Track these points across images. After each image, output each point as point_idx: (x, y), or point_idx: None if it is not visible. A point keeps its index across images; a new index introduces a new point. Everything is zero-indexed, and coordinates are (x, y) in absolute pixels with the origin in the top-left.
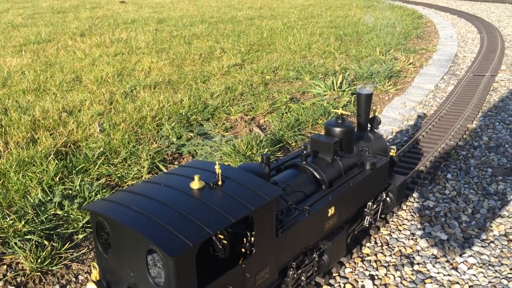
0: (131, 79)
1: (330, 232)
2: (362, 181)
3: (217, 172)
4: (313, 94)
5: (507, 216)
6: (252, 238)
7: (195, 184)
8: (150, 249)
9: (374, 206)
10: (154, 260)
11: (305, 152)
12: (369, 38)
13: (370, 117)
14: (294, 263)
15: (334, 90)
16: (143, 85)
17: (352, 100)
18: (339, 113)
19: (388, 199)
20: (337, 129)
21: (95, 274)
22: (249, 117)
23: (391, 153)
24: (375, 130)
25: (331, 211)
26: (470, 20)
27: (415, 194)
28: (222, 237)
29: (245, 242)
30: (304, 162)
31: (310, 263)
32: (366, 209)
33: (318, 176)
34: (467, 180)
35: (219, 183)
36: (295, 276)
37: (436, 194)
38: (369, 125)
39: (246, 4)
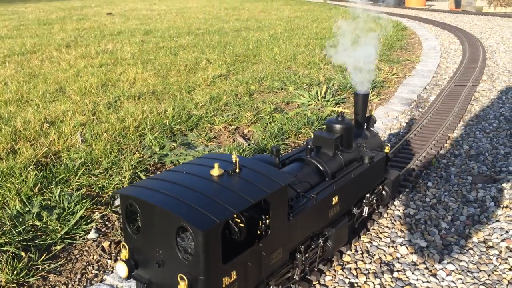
0: (116, 90)
1: (334, 220)
2: (362, 173)
3: (234, 161)
4: (298, 104)
5: (486, 223)
6: (267, 221)
7: (215, 171)
8: (180, 226)
9: (372, 197)
10: (183, 237)
11: (309, 146)
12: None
13: (366, 116)
14: (302, 247)
15: (318, 100)
16: (127, 95)
17: (336, 110)
18: (339, 111)
19: (384, 192)
20: (338, 126)
21: (125, 253)
22: (233, 127)
23: (385, 150)
24: (371, 128)
25: (335, 199)
26: (453, 32)
27: (396, 202)
28: (238, 220)
29: (260, 224)
30: (308, 156)
31: (316, 247)
32: (365, 200)
33: (322, 168)
34: (447, 188)
35: (237, 170)
36: (303, 259)
37: (417, 202)
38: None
39: (233, 16)
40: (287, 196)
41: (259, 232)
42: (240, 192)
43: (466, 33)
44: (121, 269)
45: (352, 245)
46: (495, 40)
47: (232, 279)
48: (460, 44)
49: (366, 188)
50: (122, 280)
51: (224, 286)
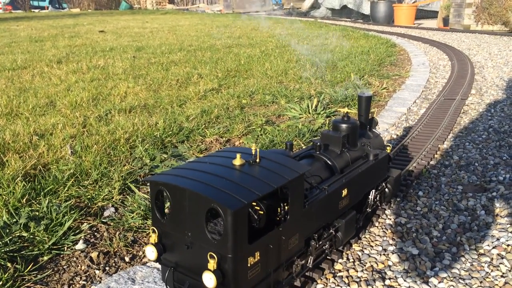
0: (106, 104)
1: (343, 212)
2: (368, 169)
3: (254, 152)
4: (289, 117)
5: (477, 231)
6: (286, 207)
7: (237, 161)
8: (210, 207)
9: (376, 194)
10: (213, 217)
11: (318, 143)
12: (344, 64)
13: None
14: (316, 235)
15: (309, 113)
16: (118, 109)
17: (327, 123)
18: (345, 112)
19: (386, 189)
20: (344, 125)
21: (154, 237)
22: (224, 139)
23: (387, 150)
24: (373, 129)
25: (344, 192)
26: (441, 49)
27: (387, 211)
28: (258, 208)
29: (279, 211)
30: (318, 153)
31: (328, 236)
32: (369, 196)
33: (330, 164)
34: (438, 197)
35: (257, 160)
36: (317, 246)
37: (408, 211)
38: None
39: (225, 34)
40: (304, 184)
41: (278, 218)
42: (262, 178)
43: (454, 50)
44: (151, 252)
45: (344, 253)
46: (483, 56)
47: (256, 259)
48: (449, 60)
49: (372, 183)
50: None
51: (249, 265)
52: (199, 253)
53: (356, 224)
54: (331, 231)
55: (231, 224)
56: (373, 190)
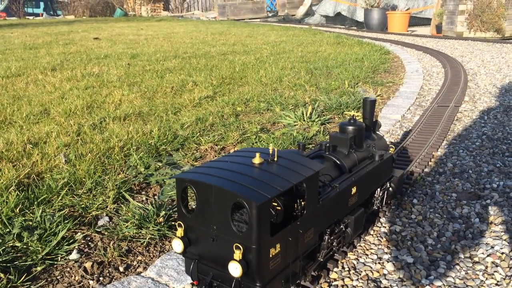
0: (101, 111)
1: (352, 209)
2: (374, 168)
3: (270, 152)
4: (283, 125)
5: (472, 239)
6: (303, 203)
7: (257, 160)
8: (236, 201)
9: (381, 193)
10: (238, 211)
11: (328, 145)
12: (339, 71)
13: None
14: (328, 231)
15: (304, 120)
16: (113, 117)
17: (322, 130)
18: (351, 115)
19: (390, 188)
20: (351, 127)
21: (180, 231)
22: (219, 147)
23: (390, 151)
24: (377, 132)
25: (354, 190)
26: (434, 56)
27: (382, 219)
28: (275, 204)
29: (296, 206)
30: (327, 153)
31: (338, 232)
32: (375, 195)
33: (339, 164)
34: (432, 205)
35: (275, 159)
36: (329, 241)
37: (403, 218)
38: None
39: (220, 41)
40: (318, 181)
41: (294, 213)
42: (281, 175)
43: (447, 57)
44: (177, 245)
45: (339, 262)
46: (476, 63)
47: (277, 251)
48: (442, 67)
49: (378, 182)
50: None
51: (270, 256)
52: (224, 245)
53: (364, 220)
54: (341, 226)
55: (255, 217)
56: (379, 189)
